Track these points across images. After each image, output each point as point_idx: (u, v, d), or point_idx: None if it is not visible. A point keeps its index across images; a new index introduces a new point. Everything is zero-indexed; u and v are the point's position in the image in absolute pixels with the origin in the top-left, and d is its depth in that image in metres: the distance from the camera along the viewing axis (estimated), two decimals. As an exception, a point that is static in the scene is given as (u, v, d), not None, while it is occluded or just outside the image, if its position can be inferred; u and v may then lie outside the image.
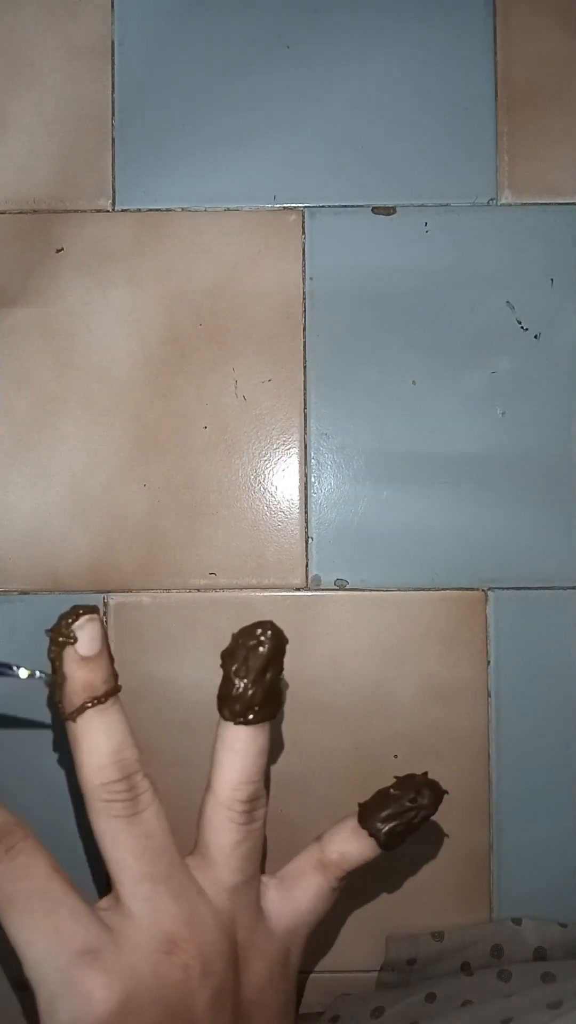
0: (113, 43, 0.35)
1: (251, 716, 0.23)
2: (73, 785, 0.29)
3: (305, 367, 0.34)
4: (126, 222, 0.34)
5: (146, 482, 0.34)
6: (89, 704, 0.23)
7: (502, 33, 0.34)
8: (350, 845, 0.24)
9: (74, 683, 0.23)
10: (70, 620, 0.23)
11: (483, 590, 0.33)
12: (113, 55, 0.35)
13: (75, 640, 0.23)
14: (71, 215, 0.34)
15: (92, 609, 0.24)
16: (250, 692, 0.23)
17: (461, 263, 0.34)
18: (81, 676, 0.23)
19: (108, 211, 0.34)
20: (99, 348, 0.34)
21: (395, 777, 0.26)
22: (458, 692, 0.33)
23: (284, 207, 0.34)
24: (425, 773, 0.27)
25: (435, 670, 0.33)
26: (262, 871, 0.25)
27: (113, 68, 0.34)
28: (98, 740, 0.23)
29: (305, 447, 0.34)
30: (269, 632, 0.24)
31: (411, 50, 0.34)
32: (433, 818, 0.27)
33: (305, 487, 0.34)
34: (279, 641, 0.24)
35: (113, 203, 0.34)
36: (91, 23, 0.35)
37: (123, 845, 0.22)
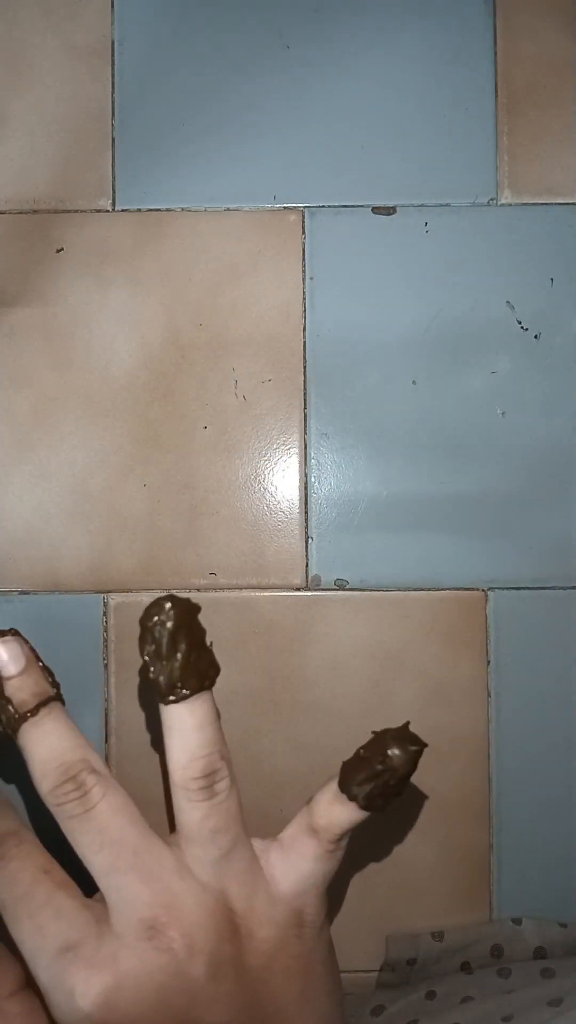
0: (113, 43, 0.35)
1: (176, 695, 0.23)
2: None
3: (305, 367, 0.34)
4: (126, 222, 0.34)
5: (146, 482, 0.34)
6: (28, 716, 0.23)
7: (502, 33, 0.34)
8: (335, 810, 0.24)
9: (7, 701, 0.24)
10: None
11: (483, 590, 0.33)
12: (113, 55, 0.35)
13: None
14: (71, 215, 0.34)
15: (7, 631, 0.25)
16: (166, 672, 0.23)
17: (461, 263, 0.34)
18: (11, 694, 0.24)
19: (108, 211, 0.34)
20: (99, 348, 0.34)
21: (372, 732, 0.25)
22: (458, 692, 0.33)
23: (284, 207, 0.34)
24: (405, 725, 0.25)
25: (435, 670, 0.33)
26: (259, 835, 0.25)
27: (113, 68, 0.34)
28: (38, 750, 0.23)
29: (305, 447, 0.34)
30: (168, 605, 0.23)
31: (411, 50, 0.34)
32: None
33: (305, 487, 0.34)
34: (184, 611, 0.23)
35: (113, 203, 0.34)
36: (91, 23, 0.35)
37: (81, 843, 0.22)
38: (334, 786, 0.24)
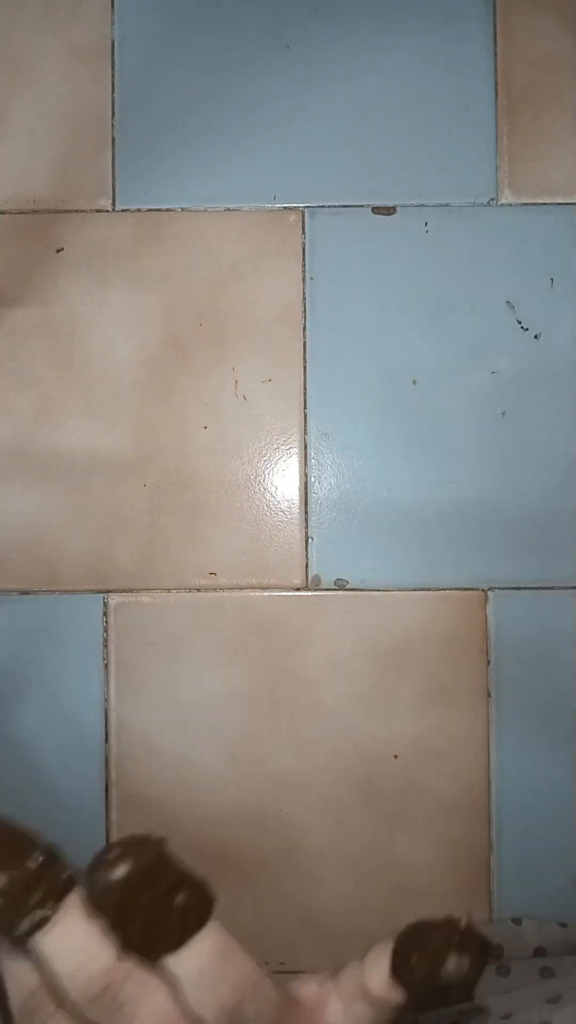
0: (113, 43, 0.35)
1: (152, 956, 0.20)
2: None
3: (305, 367, 0.34)
4: (126, 222, 0.34)
5: (146, 482, 0.34)
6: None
7: (502, 33, 0.34)
8: (387, 990, 0.21)
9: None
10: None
11: (483, 590, 0.33)
12: (113, 55, 0.34)
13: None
14: (71, 215, 0.34)
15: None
16: (128, 938, 0.19)
17: (461, 263, 0.34)
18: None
19: (108, 211, 0.34)
20: (99, 348, 0.34)
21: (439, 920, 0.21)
22: (458, 692, 0.33)
23: (284, 207, 0.34)
24: (470, 926, 0.21)
25: (435, 670, 0.33)
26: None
27: (113, 68, 0.34)
28: (61, 962, 0.21)
29: (305, 447, 0.34)
30: (111, 871, 0.19)
31: (411, 50, 0.34)
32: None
33: (305, 487, 0.34)
34: (137, 865, 0.19)
35: (113, 203, 0.34)
36: (91, 23, 0.35)
37: None
38: (386, 962, 0.21)
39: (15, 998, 0.20)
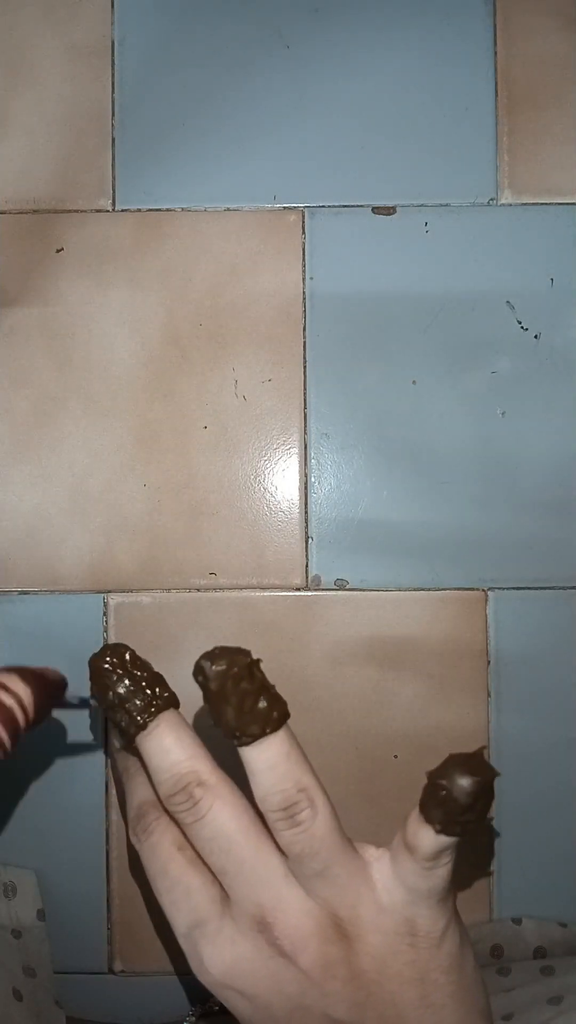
0: (113, 43, 0.35)
1: (239, 740, 0.24)
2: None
3: (305, 367, 0.34)
4: (126, 222, 0.34)
5: (146, 482, 0.34)
6: (141, 727, 0.25)
7: (502, 33, 0.34)
8: (420, 832, 0.23)
9: (125, 712, 0.25)
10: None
11: (483, 590, 0.33)
12: (113, 55, 0.35)
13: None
14: (71, 215, 0.34)
15: (120, 645, 0.26)
16: (223, 722, 0.24)
17: (461, 263, 0.34)
18: (126, 706, 0.25)
19: (108, 211, 0.34)
20: (99, 348, 0.34)
21: (449, 755, 0.24)
22: (458, 692, 0.33)
23: (284, 207, 0.34)
24: (479, 750, 0.24)
25: (435, 670, 0.33)
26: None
27: (113, 68, 0.34)
28: (152, 761, 0.25)
29: (305, 447, 0.34)
30: (209, 665, 0.24)
31: (411, 50, 0.34)
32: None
33: (305, 487, 0.34)
34: (227, 668, 0.24)
35: (113, 203, 0.34)
36: (91, 23, 0.35)
37: (197, 846, 0.24)
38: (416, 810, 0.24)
39: (131, 804, 0.26)
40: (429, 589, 0.33)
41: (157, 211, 0.34)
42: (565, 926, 0.32)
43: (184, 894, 0.24)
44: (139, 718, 0.25)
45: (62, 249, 0.34)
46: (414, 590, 0.33)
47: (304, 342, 0.34)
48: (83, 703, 0.28)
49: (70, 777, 0.33)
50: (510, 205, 0.34)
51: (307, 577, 0.33)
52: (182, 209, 0.34)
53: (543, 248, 0.34)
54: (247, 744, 0.24)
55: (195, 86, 0.34)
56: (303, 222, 0.34)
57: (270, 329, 0.34)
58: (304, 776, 0.24)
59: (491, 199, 0.34)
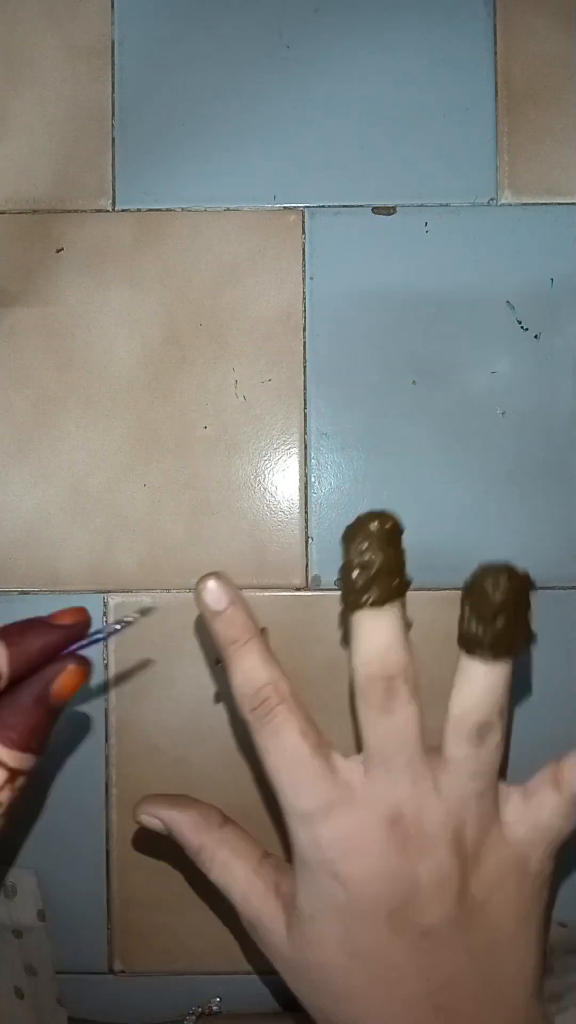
0: (113, 43, 0.35)
1: (481, 655, 0.25)
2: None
3: (305, 367, 0.34)
4: (126, 222, 0.34)
5: (146, 482, 0.34)
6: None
7: (502, 33, 0.34)
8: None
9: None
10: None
11: (483, 590, 0.33)
12: (113, 55, 0.35)
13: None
14: (71, 215, 0.34)
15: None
16: (481, 630, 0.24)
17: (461, 263, 0.34)
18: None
19: (108, 211, 0.34)
20: (99, 348, 0.34)
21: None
22: (458, 692, 0.33)
23: (284, 207, 0.34)
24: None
25: (435, 670, 0.33)
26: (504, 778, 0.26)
27: (113, 68, 0.34)
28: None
29: (305, 447, 0.34)
30: (504, 578, 0.25)
31: (411, 50, 0.34)
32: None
33: (305, 487, 0.34)
34: (516, 585, 0.25)
35: (113, 203, 0.34)
36: (91, 23, 0.35)
37: (373, 730, 0.25)
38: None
39: (246, 683, 0.26)
40: (429, 589, 0.33)
41: (157, 211, 0.34)
42: (565, 926, 0.32)
43: (311, 777, 0.24)
44: (381, 594, 0.25)
45: (62, 249, 0.34)
46: (414, 590, 0.33)
47: (304, 342, 0.34)
48: (101, 635, 0.25)
49: (70, 777, 0.33)
50: (510, 205, 0.34)
51: (307, 577, 0.33)
52: (182, 209, 0.34)
53: (543, 248, 0.34)
54: (486, 660, 0.25)
55: (195, 86, 0.34)
56: (303, 222, 0.34)
57: (270, 329, 0.34)
58: (507, 703, 0.26)
59: (491, 199, 0.34)
